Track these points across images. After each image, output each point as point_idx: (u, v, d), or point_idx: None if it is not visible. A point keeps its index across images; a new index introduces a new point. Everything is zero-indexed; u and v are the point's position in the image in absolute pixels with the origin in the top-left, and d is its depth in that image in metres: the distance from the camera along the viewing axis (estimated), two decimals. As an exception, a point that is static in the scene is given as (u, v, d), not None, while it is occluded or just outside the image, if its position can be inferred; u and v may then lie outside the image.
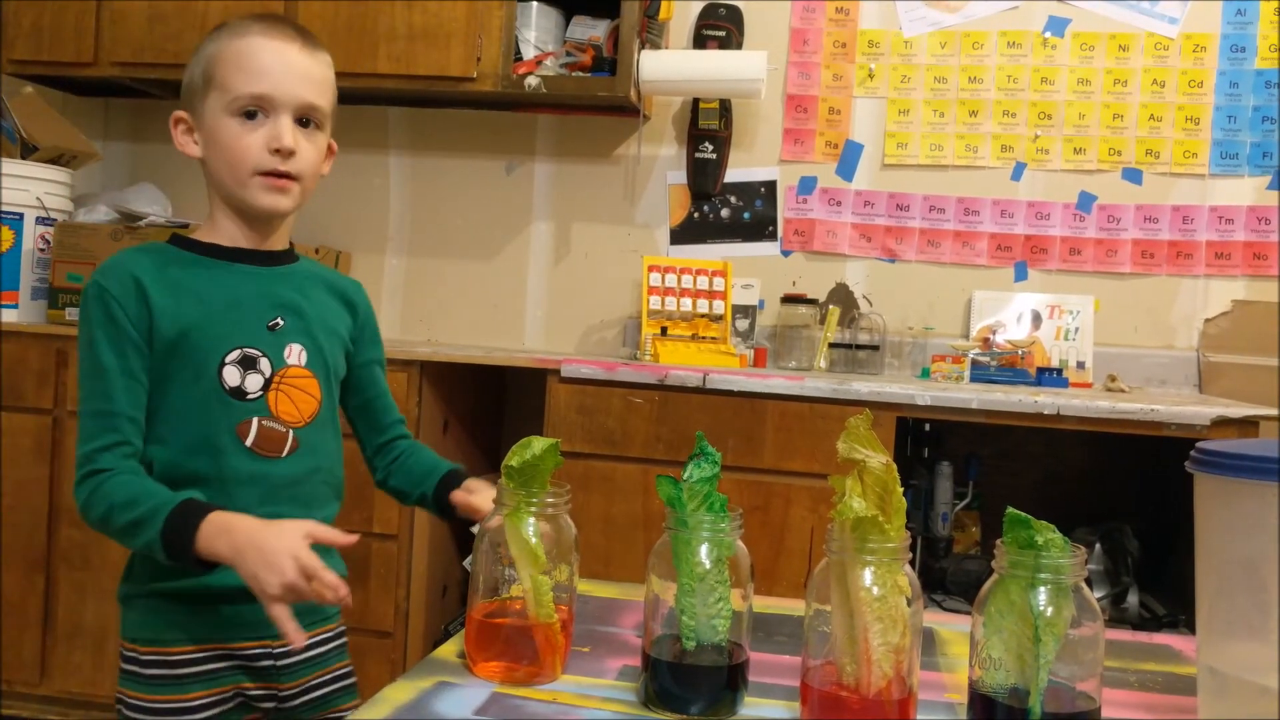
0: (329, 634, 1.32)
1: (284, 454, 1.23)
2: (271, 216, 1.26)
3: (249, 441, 1.21)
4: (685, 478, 0.93)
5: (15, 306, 2.59)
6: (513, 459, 0.96)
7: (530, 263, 2.97)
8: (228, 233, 1.27)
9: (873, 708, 0.83)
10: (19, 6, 2.74)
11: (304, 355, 1.27)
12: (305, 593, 1.04)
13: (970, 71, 2.78)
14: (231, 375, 1.21)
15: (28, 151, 2.67)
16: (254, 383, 1.22)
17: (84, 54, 2.73)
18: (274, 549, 1.05)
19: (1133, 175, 2.73)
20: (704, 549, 0.89)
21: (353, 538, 1.14)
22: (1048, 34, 2.75)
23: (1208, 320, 2.70)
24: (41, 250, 2.63)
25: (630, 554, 2.23)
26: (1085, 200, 2.75)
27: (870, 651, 0.82)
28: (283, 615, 1.04)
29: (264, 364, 1.23)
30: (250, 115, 1.20)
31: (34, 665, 2.44)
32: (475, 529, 1.11)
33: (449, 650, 1.03)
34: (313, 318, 1.29)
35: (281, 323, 1.26)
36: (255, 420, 1.21)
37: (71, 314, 2.52)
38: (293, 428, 1.24)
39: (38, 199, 2.63)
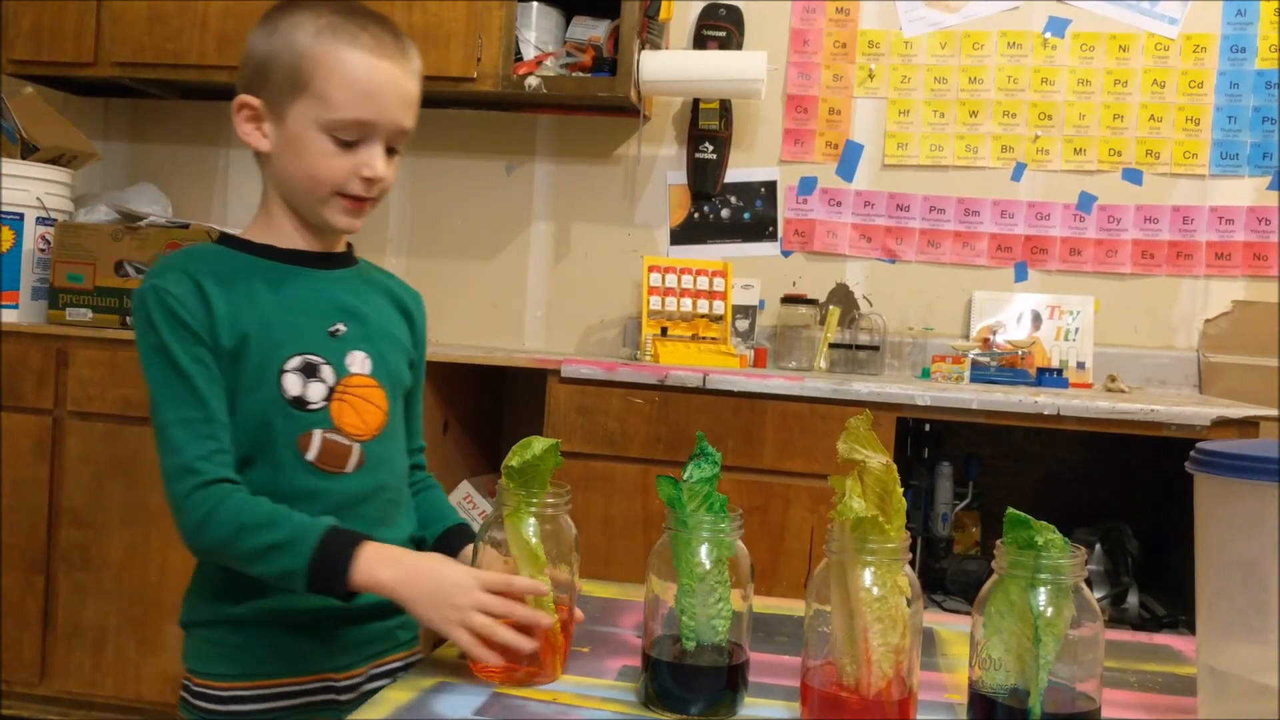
0: (397, 663, 1.22)
1: (348, 469, 1.15)
2: (342, 234, 1.21)
3: (310, 456, 1.12)
4: (685, 478, 0.93)
5: (15, 306, 2.59)
6: (513, 459, 0.96)
7: (530, 263, 2.97)
8: (285, 234, 1.19)
9: (873, 708, 0.83)
10: (19, 6, 2.74)
11: (368, 363, 1.18)
12: (501, 608, 0.96)
13: (970, 72, 2.78)
14: (292, 384, 1.12)
15: (28, 151, 2.67)
16: (316, 392, 1.13)
17: (84, 54, 2.73)
18: (447, 575, 0.99)
19: (1133, 176, 2.73)
20: (704, 549, 0.89)
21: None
22: (1048, 34, 2.75)
23: (1208, 320, 2.70)
24: (42, 250, 2.63)
25: (630, 554, 2.23)
26: (1085, 201, 2.75)
27: (870, 652, 0.82)
28: (468, 641, 0.95)
29: (326, 372, 1.14)
30: (347, 138, 1.12)
31: (34, 665, 2.44)
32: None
33: (449, 650, 1.03)
34: (374, 324, 1.21)
35: (343, 329, 1.18)
36: (317, 433, 1.13)
37: (72, 314, 2.52)
38: (358, 441, 1.15)
39: (38, 199, 2.63)
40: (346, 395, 1.15)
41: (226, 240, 1.20)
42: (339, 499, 1.13)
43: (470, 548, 1.17)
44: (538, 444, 0.96)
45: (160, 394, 1.08)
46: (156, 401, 1.08)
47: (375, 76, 1.11)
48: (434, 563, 1.03)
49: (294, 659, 1.13)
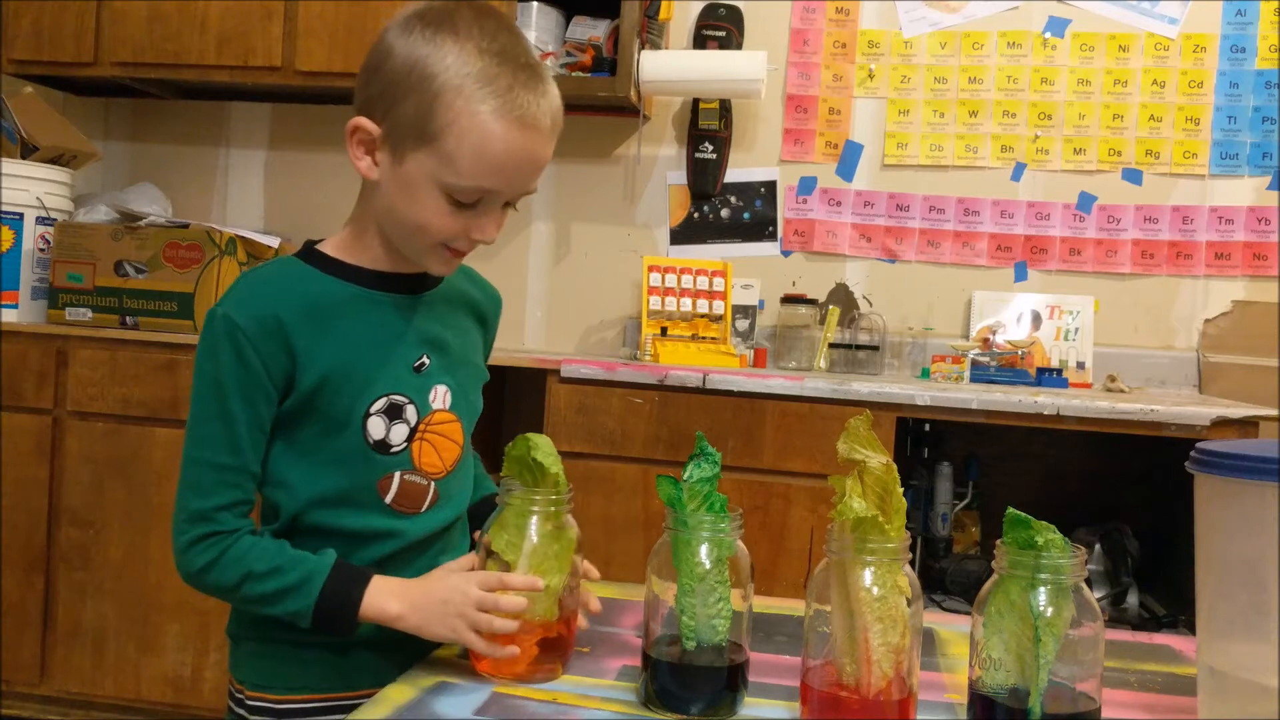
0: None
1: (423, 509, 1.11)
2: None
3: (389, 498, 1.09)
4: (685, 478, 0.93)
5: (15, 306, 2.59)
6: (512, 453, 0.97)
7: (530, 263, 2.97)
8: (375, 255, 1.10)
9: (873, 708, 0.83)
10: (19, 6, 2.74)
11: (448, 397, 1.13)
12: (491, 603, 0.96)
13: (970, 72, 2.78)
14: (376, 427, 1.07)
15: (28, 151, 2.67)
16: (399, 434, 1.08)
17: (84, 54, 2.73)
18: (444, 589, 0.99)
19: (1133, 176, 2.73)
20: (704, 549, 0.89)
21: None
22: (1048, 34, 2.75)
23: (1208, 320, 2.70)
24: (42, 250, 2.63)
25: (630, 554, 2.23)
26: (1085, 200, 2.75)
27: (870, 652, 0.82)
28: (477, 642, 0.96)
29: (410, 412, 1.09)
30: (466, 201, 1.03)
31: (34, 665, 2.44)
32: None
33: (449, 650, 1.03)
34: (455, 352, 1.16)
35: (427, 362, 1.12)
36: (397, 474, 1.09)
37: (72, 314, 2.52)
38: (434, 480, 1.12)
39: (38, 199, 2.63)
40: (427, 434, 1.11)
41: (312, 256, 1.11)
42: (412, 538, 1.11)
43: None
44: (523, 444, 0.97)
45: (199, 427, 1.04)
46: (193, 433, 1.04)
47: (514, 151, 1.01)
48: (432, 583, 1.01)
49: (351, 672, 1.10)
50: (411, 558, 1.11)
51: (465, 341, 1.19)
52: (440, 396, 1.13)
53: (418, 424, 1.10)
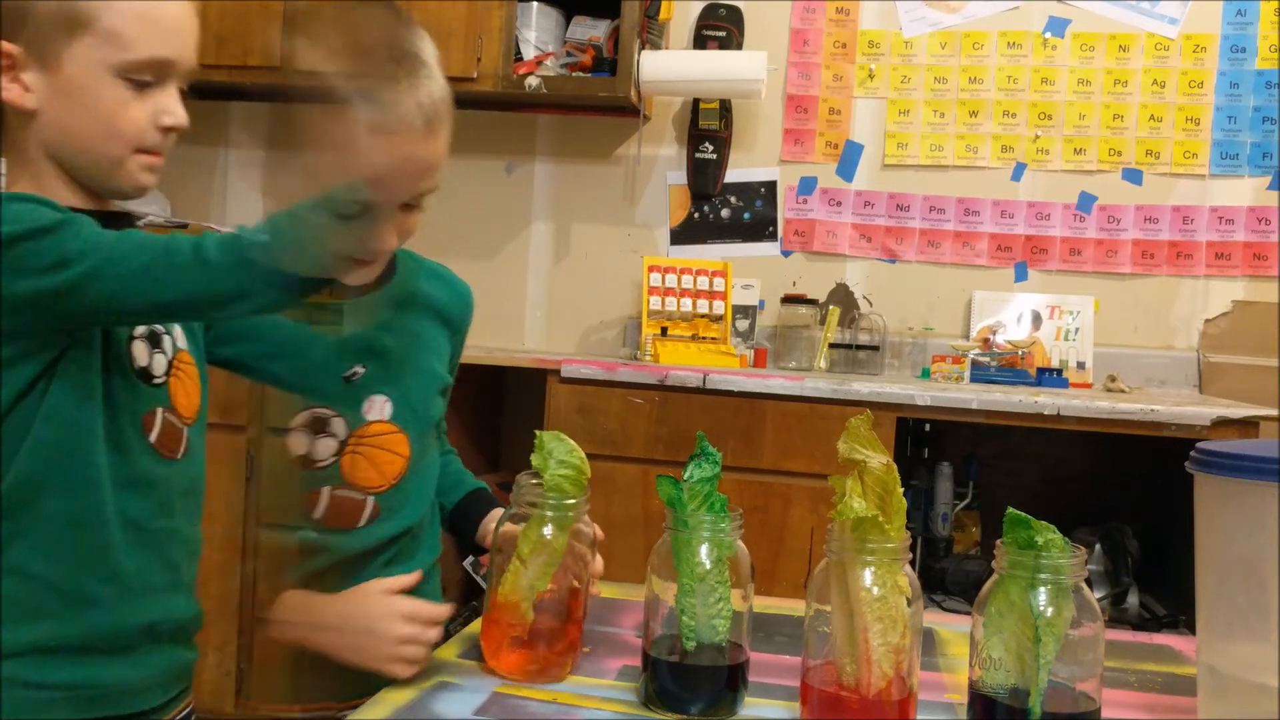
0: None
1: (361, 524, 1.07)
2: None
3: (318, 514, 1.05)
4: (685, 478, 0.93)
5: (15, 306, 2.58)
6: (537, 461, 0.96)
7: (530, 263, 2.97)
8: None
9: (873, 708, 0.83)
10: (19, 6, 2.74)
11: (388, 407, 1.08)
12: (426, 637, 0.96)
13: (970, 72, 2.78)
14: (298, 442, 1.05)
15: (28, 151, 2.66)
16: (325, 448, 1.05)
17: (84, 54, 2.73)
18: (370, 613, 0.96)
19: (1133, 176, 2.73)
20: (704, 549, 0.89)
21: (415, 577, 1.03)
22: (1048, 34, 2.75)
23: (1208, 321, 2.70)
24: (41, 250, 2.63)
25: (630, 554, 2.23)
26: (1085, 200, 2.75)
27: (870, 651, 0.82)
28: (404, 671, 0.95)
29: (337, 425, 1.05)
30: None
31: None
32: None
33: (449, 650, 1.03)
34: (399, 359, 1.11)
35: (360, 371, 1.07)
36: (326, 490, 1.05)
37: (71, 314, 2.52)
38: (373, 494, 1.07)
39: (38, 199, 2.62)
40: (361, 447, 1.06)
41: None
42: (349, 553, 1.07)
43: (493, 515, 1.14)
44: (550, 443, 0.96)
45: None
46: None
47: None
48: (353, 608, 0.97)
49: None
50: (352, 571, 1.06)
51: (419, 348, 1.14)
52: (378, 407, 1.08)
53: (348, 437, 1.05)
